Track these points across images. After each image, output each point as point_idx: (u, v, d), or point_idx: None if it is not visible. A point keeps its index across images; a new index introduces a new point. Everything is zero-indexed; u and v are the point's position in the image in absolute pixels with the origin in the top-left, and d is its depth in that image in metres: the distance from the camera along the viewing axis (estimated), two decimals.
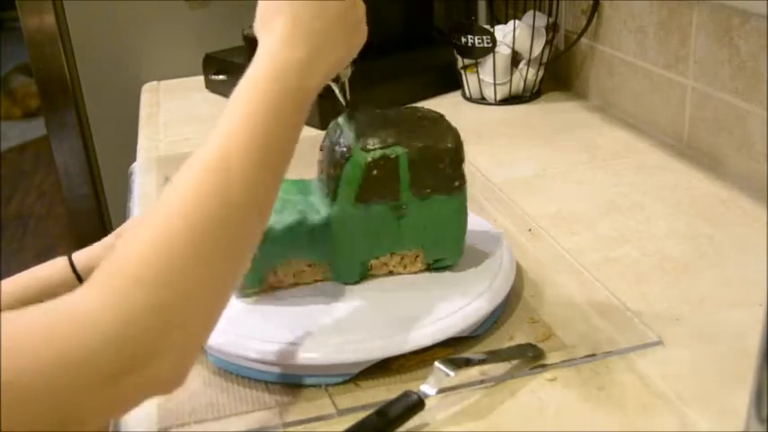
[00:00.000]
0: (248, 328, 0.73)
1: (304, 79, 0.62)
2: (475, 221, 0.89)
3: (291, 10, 0.64)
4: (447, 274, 0.81)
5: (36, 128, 4.15)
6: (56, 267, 0.78)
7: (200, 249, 0.52)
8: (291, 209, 0.77)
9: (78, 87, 1.70)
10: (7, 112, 4.55)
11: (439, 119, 0.81)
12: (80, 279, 0.77)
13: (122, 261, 0.51)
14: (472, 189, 1.07)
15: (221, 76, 1.53)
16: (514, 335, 0.76)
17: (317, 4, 0.64)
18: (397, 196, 0.77)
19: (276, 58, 0.62)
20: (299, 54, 0.62)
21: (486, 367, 0.71)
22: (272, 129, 0.58)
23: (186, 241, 0.52)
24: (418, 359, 0.71)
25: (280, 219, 0.76)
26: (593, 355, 0.72)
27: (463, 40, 1.37)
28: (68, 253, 0.79)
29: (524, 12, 1.41)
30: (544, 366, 0.71)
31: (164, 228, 0.52)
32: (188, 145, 1.32)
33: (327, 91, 0.68)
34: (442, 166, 0.77)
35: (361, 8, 0.68)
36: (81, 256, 0.79)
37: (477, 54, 1.38)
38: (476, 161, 1.17)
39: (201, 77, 1.60)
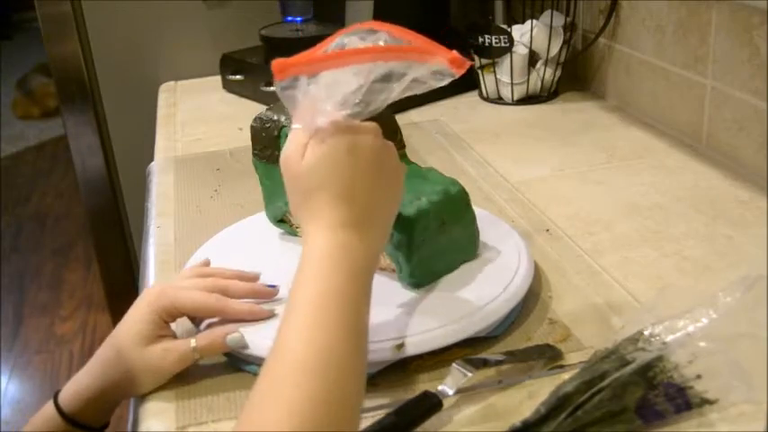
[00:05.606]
0: (266, 329, 0.73)
1: (362, 260, 0.61)
2: (493, 221, 0.89)
3: (324, 184, 0.62)
4: (464, 275, 0.80)
5: (54, 127, 4.18)
6: (46, 415, 0.71)
7: None
8: None
9: (96, 87, 1.71)
10: (26, 112, 4.58)
11: None
12: (70, 421, 0.71)
13: None
14: (490, 189, 1.07)
15: (238, 76, 1.54)
16: (532, 335, 0.76)
17: (346, 165, 0.62)
18: None
19: (327, 247, 0.60)
20: (349, 235, 0.61)
21: (503, 368, 0.70)
22: (348, 312, 0.58)
23: None
24: (436, 359, 0.71)
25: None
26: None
27: (480, 39, 1.37)
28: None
29: (542, 11, 1.41)
30: (562, 367, 0.71)
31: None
32: (205, 145, 1.32)
33: None
34: None
35: (391, 146, 0.66)
36: (67, 393, 0.72)
37: (494, 54, 1.37)
38: (493, 161, 1.17)
39: (219, 77, 1.60)
